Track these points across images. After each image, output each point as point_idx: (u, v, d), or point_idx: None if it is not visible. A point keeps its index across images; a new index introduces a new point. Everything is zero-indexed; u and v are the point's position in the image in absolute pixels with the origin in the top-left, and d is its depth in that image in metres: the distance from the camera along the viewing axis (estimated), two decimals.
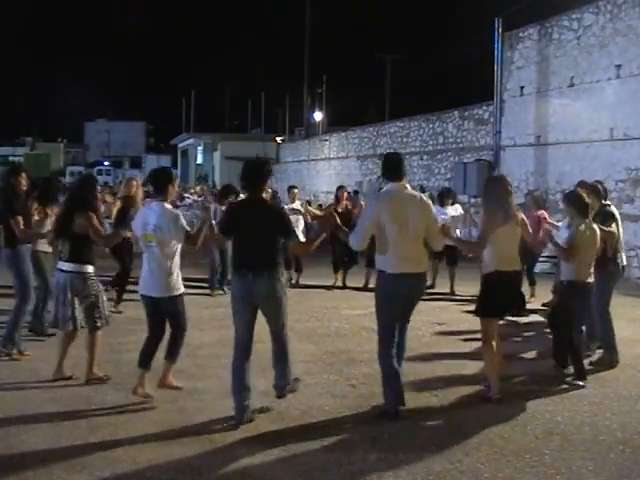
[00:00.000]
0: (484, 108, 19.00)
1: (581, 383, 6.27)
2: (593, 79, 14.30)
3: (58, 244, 7.78)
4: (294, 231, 5.43)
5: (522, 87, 16.75)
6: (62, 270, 6.10)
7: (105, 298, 6.31)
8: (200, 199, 24.45)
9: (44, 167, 46.30)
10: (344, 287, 11.71)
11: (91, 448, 4.75)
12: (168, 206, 5.72)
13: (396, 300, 5.41)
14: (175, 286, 5.66)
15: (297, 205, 12.08)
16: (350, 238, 5.59)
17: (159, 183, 5.80)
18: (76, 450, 4.72)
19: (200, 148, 54.29)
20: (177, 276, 5.69)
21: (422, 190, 17.66)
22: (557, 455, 4.75)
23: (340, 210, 11.90)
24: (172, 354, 5.77)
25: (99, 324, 6.14)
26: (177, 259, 5.70)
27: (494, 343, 5.87)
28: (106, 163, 67.40)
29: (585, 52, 14.53)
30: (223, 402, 5.66)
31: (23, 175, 7.23)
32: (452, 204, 11.77)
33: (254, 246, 5.21)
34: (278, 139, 45.01)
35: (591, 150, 14.33)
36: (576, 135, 14.83)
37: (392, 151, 6.46)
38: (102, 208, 8.82)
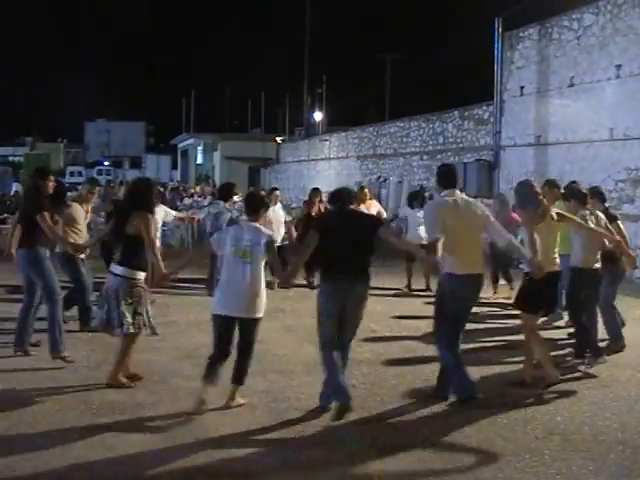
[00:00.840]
0: (484, 108, 18.99)
1: (602, 359, 6.71)
2: (593, 79, 14.30)
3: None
4: (386, 222, 5.64)
5: (522, 87, 16.75)
6: (115, 274, 5.94)
7: (149, 307, 6.14)
8: (200, 199, 24.42)
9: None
10: None
11: (91, 448, 4.75)
12: (261, 227, 5.69)
13: (462, 298, 5.79)
14: (261, 308, 5.55)
15: (279, 208, 11.90)
16: (428, 232, 5.97)
17: (253, 206, 5.78)
18: (76, 450, 4.72)
19: (200, 148, 54.22)
20: (264, 298, 5.58)
21: (422, 190, 17.69)
22: (557, 455, 4.75)
23: (313, 214, 11.86)
24: (240, 378, 5.57)
25: (146, 332, 5.98)
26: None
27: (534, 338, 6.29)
28: (106, 163, 67.34)
29: (585, 52, 14.53)
30: (223, 402, 5.67)
31: (51, 178, 7.21)
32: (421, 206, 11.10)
33: (351, 251, 5.43)
34: (278, 139, 44.97)
35: (591, 150, 14.33)
36: (576, 135, 14.83)
37: (444, 163, 6.95)
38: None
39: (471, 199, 6.14)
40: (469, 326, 8.67)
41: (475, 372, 6.62)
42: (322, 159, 33.24)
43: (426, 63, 56.95)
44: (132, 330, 5.89)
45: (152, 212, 6.16)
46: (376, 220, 5.76)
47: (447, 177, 6.02)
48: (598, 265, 6.83)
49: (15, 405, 5.57)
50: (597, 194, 7.50)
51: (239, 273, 5.49)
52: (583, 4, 14.73)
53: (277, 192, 12.41)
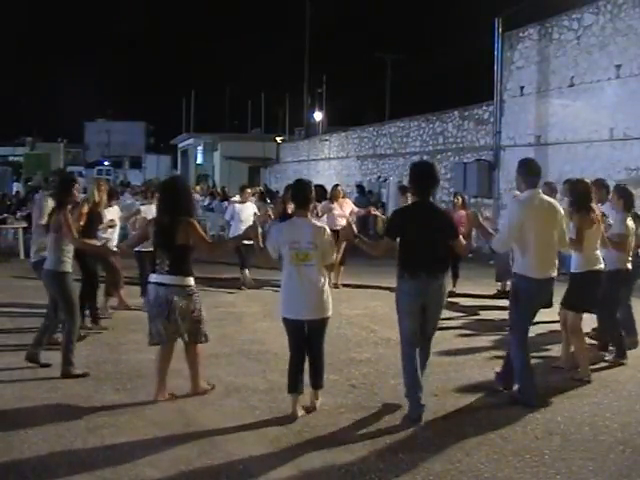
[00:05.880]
0: (484, 108, 18.98)
1: (624, 361, 6.95)
2: (593, 79, 14.30)
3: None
4: (458, 234, 5.56)
5: (522, 87, 16.74)
6: (165, 284, 5.51)
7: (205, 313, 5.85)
8: (201, 198, 24.40)
9: (44, 167, 46.19)
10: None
11: (91, 448, 4.76)
12: (315, 221, 5.45)
13: (535, 301, 5.86)
14: (328, 307, 5.37)
15: (249, 205, 11.88)
16: (494, 241, 5.99)
17: (304, 197, 5.43)
18: (76, 450, 4.72)
19: (200, 148, 54.17)
20: (329, 296, 5.39)
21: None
22: (557, 455, 4.75)
23: (290, 211, 11.81)
24: (318, 382, 5.48)
25: (203, 340, 5.77)
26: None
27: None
28: (106, 163, 67.32)
29: (585, 52, 14.53)
30: (223, 402, 5.68)
31: (76, 186, 6.90)
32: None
33: (428, 248, 5.37)
34: (278, 139, 44.93)
35: (591, 150, 14.33)
36: (576, 135, 14.83)
37: (529, 158, 6.93)
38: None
39: (550, 199, 6.01)
40: (468, 326, 8.72)
41: (475, 372, 6.63)
42: (322, 159, 33.23)
43: (426, 63, 56.91)
44: (205, 340, 5.76)
45: (193, 215, 5.69)
46: None
47: (536, 175, 5.97)
48: (630, 266, 7.10)
49: (14, 405, 5.58)
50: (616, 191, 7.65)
51: (300, 276, 5.30)
52: (583, 4, 14.73)
53: (248, 190, 12.24)
